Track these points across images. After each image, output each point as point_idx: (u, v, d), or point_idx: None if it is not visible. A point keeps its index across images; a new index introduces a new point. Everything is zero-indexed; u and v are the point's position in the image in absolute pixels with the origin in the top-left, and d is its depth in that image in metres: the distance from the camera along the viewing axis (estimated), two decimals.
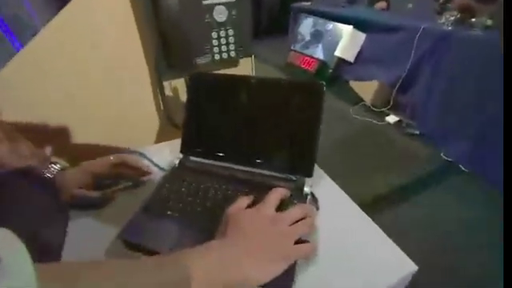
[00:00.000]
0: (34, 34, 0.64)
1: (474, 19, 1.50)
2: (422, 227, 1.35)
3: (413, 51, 1.76)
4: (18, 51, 0.64)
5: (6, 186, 0.58)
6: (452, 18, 1.51)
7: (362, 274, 0.39)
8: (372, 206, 1.44)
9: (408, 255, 0.41)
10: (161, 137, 0.85)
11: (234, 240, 0.36)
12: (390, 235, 0.44)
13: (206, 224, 0.44)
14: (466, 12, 1.50)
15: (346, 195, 0.52)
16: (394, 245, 0.43)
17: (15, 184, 0.66)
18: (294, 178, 0.51)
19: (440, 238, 1.30)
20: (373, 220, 0.47)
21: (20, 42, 0.64)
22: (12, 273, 0.19)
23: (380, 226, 0.46)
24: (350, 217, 0.48)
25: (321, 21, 2.65)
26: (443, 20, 1.57)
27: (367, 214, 0.48)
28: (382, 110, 2.19)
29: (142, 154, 0.63)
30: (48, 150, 0.56)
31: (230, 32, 0.69)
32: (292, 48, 2.90)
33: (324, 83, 0.48)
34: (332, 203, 0.49)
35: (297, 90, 0.50)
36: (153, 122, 0.83)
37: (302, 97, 0.50)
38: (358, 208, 0.49)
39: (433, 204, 1.48)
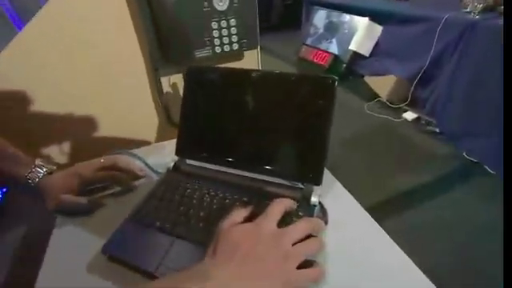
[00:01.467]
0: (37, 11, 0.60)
1: None
2: (441, 230, 1.26)
3: (434, 43, 1.65)
4: (19, 30, 0.61)
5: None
6: (480, 6, 1.39)
7: None
8: (387, 208, 1.36)
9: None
10: (160, 136, 0.80)
11: (226, 260, 0.31)
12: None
13: (199, 238, 0.39)
14: None
15: (359, 206, 0.45)
16: (413, 264, 0.36)
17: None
18: (301, 186, 0.44)
19: (461, 241, 1.21)
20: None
21: (22, 21, 0.60)
22: None
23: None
24: (364, 232, 0.41)
25: (335, 13, 2.54)
26: (469, 8, 1.45)
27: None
28: (399, 106, 2.08)
29: (135, 156, 0.59)
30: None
31: (232, 22, 0.63)
32: (304, 42, 2.81)
33: (336, 78, 0.42)
34: (344, 215, 0.43)
35: (305, 85, 0.44)
36: (151, 120, 0.78)
37: (310, 93, 0.43)
38: (374, 221, 0.43)
39: (454, 207, 1.38)
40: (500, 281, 1.01)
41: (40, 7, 0.60)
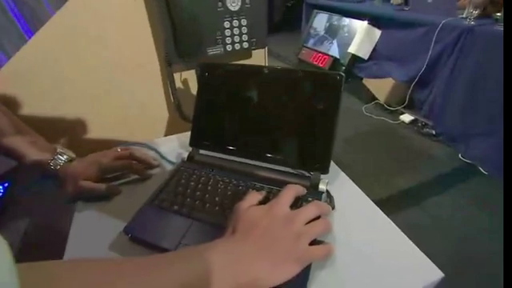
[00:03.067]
0: (46, 21, 0.63)
1: (499, 13, 1.42)
2: (437, 231, 1.30)
3: (431, 47, 1.69)
4: (28, 39, 0.63)
5: (23, 176, 0.57)
6: (476, 12, 1.44)
7: (382, 279, 0.36)
8: (382, 209, 1.38)
9: None
10: (170, 129, 0.83)
11: (245, 237, 0.34)
12: None
13: (215, 220, 0.42)
14: (492, 6, 1.42)
15: (363, 194, 0.48)
16: (417, 249, 0.39)
17: (29, 177, 0.66)
18: (309, 175, 0.48)
19: (455, 241, 1.24)
20: None
21: (31, 29, 0.62)
22: None
23: None
24: (369, 217, 0.44)
25: (335, 16, 2.59)
26: (465, 14, 1.50)
27: None
28: (397, 108, 2.12)
29: (149, 147, 0.62)
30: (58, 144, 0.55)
31: (243, 22, 0.66)
32: (304, 44, 2.85)
33: (343, 74, 0.45)
34: (349, 202, 0.46)
35: (314, 80, 0.47)
36: (162, 114, 0.81)
37: (318, 88, 0.47)
38: (378, 208, 0.46)
39: (449, 207, 1.42)
40: (494, 279, 1.05)
41: (49, 14, 0.62)
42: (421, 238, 0.40)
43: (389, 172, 1.65)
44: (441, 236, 1.27)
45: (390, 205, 1.43)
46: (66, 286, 0.24)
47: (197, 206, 0.44)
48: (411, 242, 0.40)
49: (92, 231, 0.45)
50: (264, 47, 0.75)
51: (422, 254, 0.38)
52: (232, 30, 0.66)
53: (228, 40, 0.67)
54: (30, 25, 0.63)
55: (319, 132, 0.46)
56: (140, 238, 0.42)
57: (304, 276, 0.34)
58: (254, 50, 0.74)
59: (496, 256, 1.13)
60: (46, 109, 0.68)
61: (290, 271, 0.32)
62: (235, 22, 0.65)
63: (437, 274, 0.36)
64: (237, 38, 0.67)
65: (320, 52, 2.68)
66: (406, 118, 2.06)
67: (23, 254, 0.77)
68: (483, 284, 1.08)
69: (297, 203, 0.41)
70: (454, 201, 1.45)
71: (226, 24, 0.65)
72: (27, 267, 0.22)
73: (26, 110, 0.67)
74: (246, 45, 0.69)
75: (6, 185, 0.89)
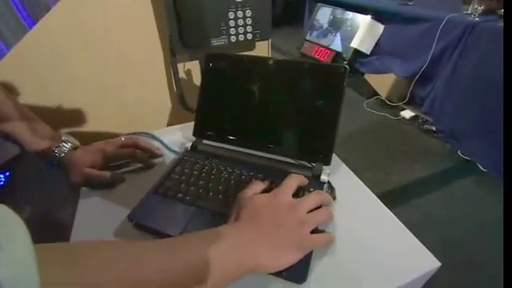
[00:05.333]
0: (47, 11, 0.62)
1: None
2: (435, 226, 1.31)
3: (435, 43, 1.69)
4: (30, 29, 0.63)
5: (23, 165, 0.58)
6: (481, 8, 1.43)
7: (381, 268, 0.37)
8: (383, 203, 1.39)
9: None
10: (173, 120, 0.83)
11: (249, 224, 0.34)
12: None
13: (218, 208, 0.43)
14: (497, 2, 1.41)
15: (364, 186, 0.49)
16: (416, 239, 0.40)
17: (33, 164, 0.66)
18: (310, 166, 0.48)
19: (453, 237, 1.26)
20: None
21: (32, 20, 0.62)
22: (9, 251, 0.17)
23: None
24: (369, 208, 0.45)
25: (338, 10, 2.57)
26: (470, 10, 1.49)
27: None
28: (398, 104, 2.12)
29: (153, 136, 0.62)
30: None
31: (248, 13, 0.66)
32: (306, 38, 2.84)
33: (347, 66, 0.45)
34: (350, 193, 0.47)
35: (318, 72, 0.47)
36: (165, 104, 0.81)
37: (322, 80, 0.47)
38: (378, 200, 0.47)
39: (446, 203, 1.43)
40: (492, 276, 1.06)
41: (50, 5, 0.61)
42: (419, 234, 0.40)
43: (387, 168, 1.65)
44: (439, 232, 1.28)
45: (387, 201, 1.44)
46: (87, 264, 0.25)
47: (200, 194, 0.45)
48: (409, 232, 0.41)
49: (97, 218, 0.46)
50: (268, 39, 0.75)
51: (420, 243, 0.39)
52: (236, 21, 0.66)
53: (232, 31, 0.67)
54: (30, 15, 0.63)
55: (322, 123, 0.47)
56: (144, 224, 0.42)
57: (305, 263, 0.35)
58: (258, 41, 0.74)
59: (493, 255, 1.15)
60: (48, 99, 0.68)
61: (292, 257, 0.33)
62: (240, 13, 0.65)
63: (434, 264, 0.37)
64: (241, 29, 0.67)
65: (322, 46, 2.67)
66: (407, 114, 2.06)
67: None
68: (483, 283, 1.10)
69: (299, 193, 0.42)
70: (452, 198, 1.46)
71: (231, 15, 0.65)
72: (44, 248, 0.23)
73: (28, 100, 0.67)
74: (249, 36, 0.69)
75: (8, 174, 0.90)
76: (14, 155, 0.87)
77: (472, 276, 1.11)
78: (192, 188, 0.46)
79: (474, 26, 1.44)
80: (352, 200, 0.46)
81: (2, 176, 0.88)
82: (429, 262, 0.37)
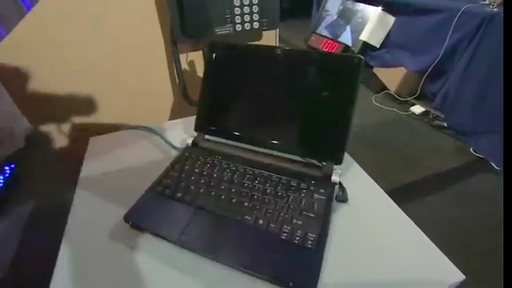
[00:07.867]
0: None
1: None
2: (445, 225, 1.27)
3: (448, 36, 1.61)
4: (28, 11, 0.60)
5: (29, 157, 0.54)
6: None
7: (400, 280, 0.33)
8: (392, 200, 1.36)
9: None
10: (175, 113, 0.80)
11: None
12: None
13: (220, 210, 0.40)
14: None
15: (378, 187, 0.46)
16: (438, 250, 0.36)
17: (37, 156, 0.64)
18: (320, 165, 0.45)
19: (464, 236, 1.22)
20: None
21: (30, 1, 0.59)
22: None
23: None
24: (384, 212, 0.42)
25: (348, 1, 2.49)
26: (488, 0, 1.41)
27: None
28: (408, 99, 2.06)
29: (153, 131, 0.59)
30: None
31: (255, 0, 0.62)
32: (314, 31, 2.77)
33: (362, 57, 0.41)
34: (363, 196, 0.43)
35: (329, 64, 0.44)
36: (167, 97, 0.78)
37: (335, 72, 0.43)
38: (392, 202, 0.43)
39: (458, 202, 1.39)
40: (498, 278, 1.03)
41: None
42: (428, 231, 0.37)
43: (396, 163, 1.61)
44: (449, 230, 1.24)
45: (396, 197, 1.40)
46: None
47: (202, 193, 0.42)
48: (426, 237, 0.38)
49: (92, 219, 0.43)
50: (276, 28, 0.71)
51: (442, 254, 0.36)
52: (242, 9, 0.62)
53: (238, 19, 0.63)
54: None
55: (334, 119, 0.43)
56: (140, 226, 0.40)
57: (316, 268, 0.32)
58: (265, 30, 0.69)
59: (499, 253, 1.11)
60: (45, 90, 0.66)
61: None
62: (246, 0, 0.61)
63: (458, 277, 0.33)
64: (247, 18, 0.63)
65: (330, 39, 2.60)
66: (417, 109, 2.00)
67: (27, 236, 0.77)
68: (487, 283, 1.06)
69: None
70: (464, 195, 1.42)
71: (236, 1, 0.61)
72: None
73: (23, 91, 0.64)
74: (256, 25, 0.65)
75: (13, 166, 0.89)
76: (20, 148, 0.86)
77: (475, 270, 1.07)
78: (192, 187, 0.43)
79: (492, 17, 1.36)
80: (365, 203, 0.42)
81: (7, 168, 0.87)
82: (453, 275, 0.33)
